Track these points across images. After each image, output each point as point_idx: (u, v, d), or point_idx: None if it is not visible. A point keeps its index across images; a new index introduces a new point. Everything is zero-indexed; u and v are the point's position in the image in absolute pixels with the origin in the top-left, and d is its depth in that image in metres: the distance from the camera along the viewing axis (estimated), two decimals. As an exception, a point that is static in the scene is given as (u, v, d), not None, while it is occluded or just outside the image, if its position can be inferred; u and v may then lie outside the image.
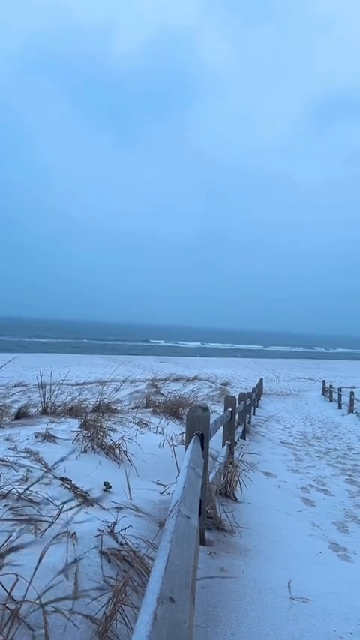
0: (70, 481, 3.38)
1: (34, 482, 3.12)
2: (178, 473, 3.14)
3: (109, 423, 5.88)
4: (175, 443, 5.73)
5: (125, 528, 2.75)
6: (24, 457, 3.78)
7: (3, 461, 3.53)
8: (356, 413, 15.57)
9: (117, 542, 2.60)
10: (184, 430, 4.12)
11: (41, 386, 6.82)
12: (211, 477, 4.27)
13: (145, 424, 6.77)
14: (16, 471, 3.40)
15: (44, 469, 3.55)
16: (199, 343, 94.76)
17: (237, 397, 7.50)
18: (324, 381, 25.84)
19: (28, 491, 2.90)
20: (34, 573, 2.01)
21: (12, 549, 2.20)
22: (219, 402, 13.88)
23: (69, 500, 2.98)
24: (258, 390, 18.21)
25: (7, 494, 2.84)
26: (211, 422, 3.79)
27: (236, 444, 7.50)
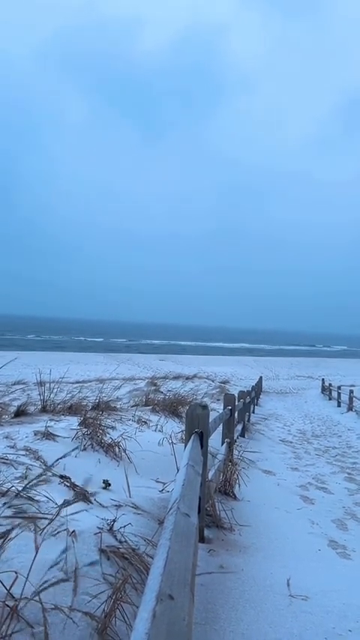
0: (70, 479, 3.38)
1: (34, 480, 3.12)
2: (178, 471, 3.14)
3: (108, 420, 5.88)
4: (174, 441, 5.74)
5: (124, 526, 2.75)
6: (23, 455, 3.79)
7: (2, 459, 3.54)
8: (355, 411, 15.58)
9: (116, 539, 2.60)
10: (184, 428, 4.12)
11: (41, 384, 6.82)
12: (210, 474, 4.27)
13: (145, 422, 6.78)
14: (16, 469, 3.40)
15: (43, 467, 3.55)
16: (198, 342, 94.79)
17: (236, 395, 7.50)
18: (323, 379, 25.88)
19: (27, 489, 2.90)
20: (31, 570, 2.02)
21: (11, 547, 2.20)
22: (218, 400, 13.88)
23: (68, 498, 2.98)
24: (257, 388, 18.22)
25: (7, 491, 2.84)
26: (210, 420, 3.79)
27: (235, 441, 7.51)
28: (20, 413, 6.00)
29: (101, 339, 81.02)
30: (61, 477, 3.39)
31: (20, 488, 2.87)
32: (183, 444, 4.09)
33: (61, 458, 3.64)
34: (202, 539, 3.41)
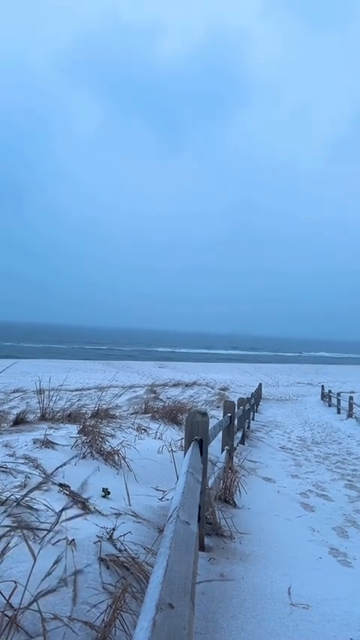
0: (69, 487, 3.37)
1: (33, 489, 3.11)
2: (177, 478, 3.13)
3: (107, 428, 5.86)
4: (174, 448, 5.72)
5: (124, 534, 2.74)
6: (22, 463, 3.77)
7: (1, 467, 3.52)
8: (355, 417, 15.55)
9: (116, 548, 2.59)
10: (183, 435, 4.11)
11: (40, 392, 6.81)
12: (210, 482, 4.25)
13: (144, 430, 6.76)
14: (15, 477, 3.39)
15: (43, 475, 3.53)
16: (199, 349, 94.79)
17: (236, 402, 7.49)
18: (323, 385, 25.85)
19: (26, 498, 2.89)
20: (30, 580, 2.00)
21: (10, 556, 2.19)
22: (218, 407, 13.86)
23: (68, 507, 2.97)
24: (257, 395, 18.19)
25: (6, 500, 2.83)
26: (210, 427, 3.78)
27: (235, 449, 7.49)
28: (19, 421, 5.98)
29: (102, 347, 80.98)
30: (61, 485, 3.38)
31: (19, 497, 2.86)
32: (183, 452, 4.08)
33: (60, 466, 3.63)
34: (202, 547, 3.40)
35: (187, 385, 21.75)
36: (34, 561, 2.12)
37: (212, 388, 22.16)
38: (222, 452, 6.30)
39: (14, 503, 2.79)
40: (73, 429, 5.43)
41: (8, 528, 2.47)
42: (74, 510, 2.97)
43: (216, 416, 9.53)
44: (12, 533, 2.43)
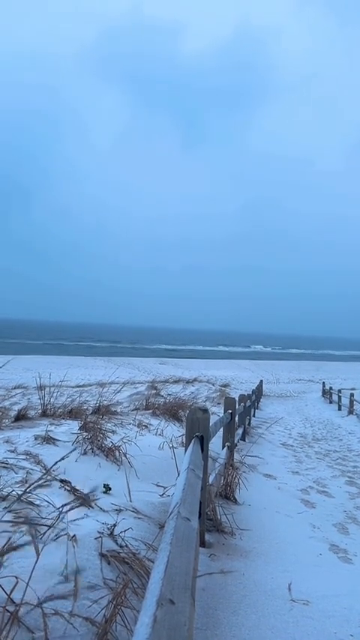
0: (70, 483, 3.37)
1: (34, 484, 3.11)
2: (178, 475, 3.13)
3: (108, 424, 5.87)
4: (174, 445, 5.72)
5: (125, 530, 2.74)
6: (24, 459, 3.78)
7: (3, 463, 3.53)
8: (356, 414, 15.55)
9: (117, 544, 2.59)
10: (184, 432, 4.12)
11: (41, 388, 6.82)
12: (211, 478, 4.26)
13: (145, 426, 6.77)
14: (16, 473, 3.40)
15: (44, 471, 3.54)
16: (202, 346, 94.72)
17: (237, 399, 7.49)
18: (324, 382, 25.85)
19: (27, 493, 2.89)
20: (32, 575, 2.01)
21: (12, 551, 2.19)
22: (219, 403, 13.87)
23: (69, 503, 2.97)
24: (258, 392, 18.20)
25: (7, 496, 2.84)
26: (210, 424, 3.79)
27: (236, 445, 7.49)
28: (20, 417, 5.99)
29: (104, 344, 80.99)
30: (62, 481, 3.39)
31: (21, 493, 2.87)
32: (183, 448, 4.08)
33: (61, 461, 3.64)
34: (202, 543, 3.40)
35: (188, 382, 21.79)
36: (36, 557, 2.13)
37: (213, 385, 22.20)
38: (223, 448, 6.31)
39: (16, 499, 2.79)
40: (74, 425, 5.44)
41: (10, 524, 2.48)
42: (75, 506, 2.97)
43: (217, 412, 9.54)
44: (13, 528, 2.44)
